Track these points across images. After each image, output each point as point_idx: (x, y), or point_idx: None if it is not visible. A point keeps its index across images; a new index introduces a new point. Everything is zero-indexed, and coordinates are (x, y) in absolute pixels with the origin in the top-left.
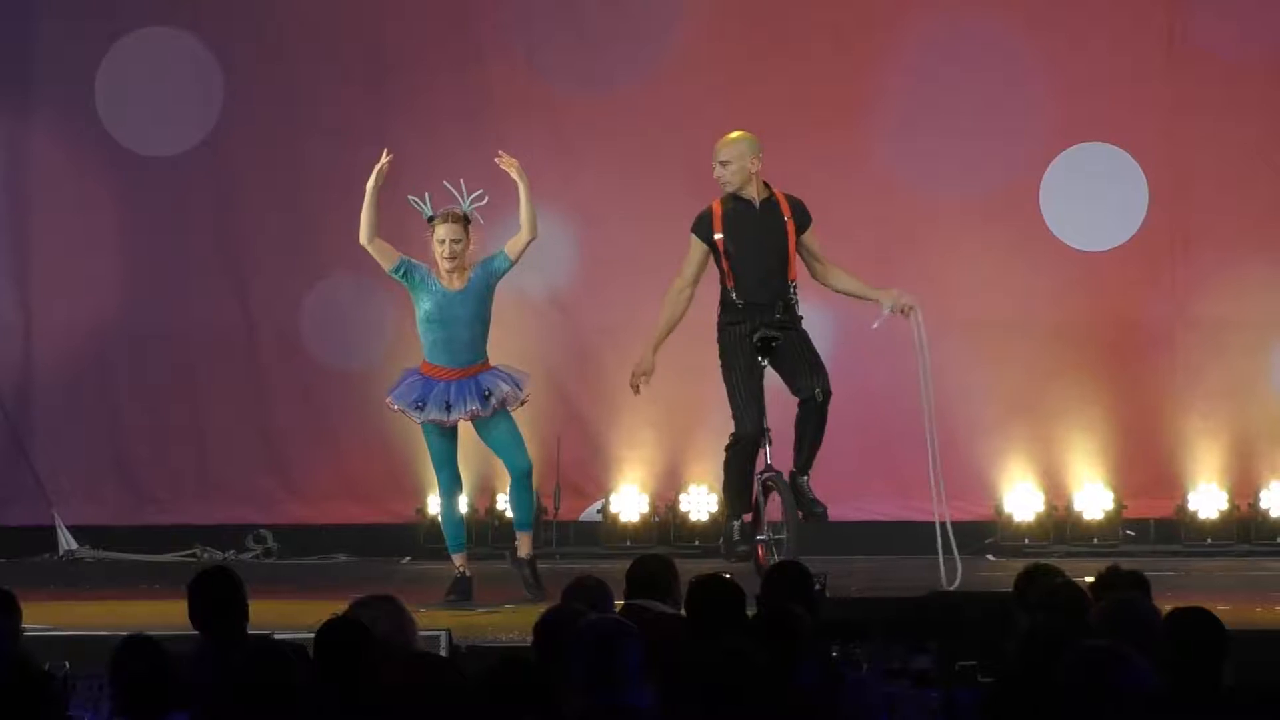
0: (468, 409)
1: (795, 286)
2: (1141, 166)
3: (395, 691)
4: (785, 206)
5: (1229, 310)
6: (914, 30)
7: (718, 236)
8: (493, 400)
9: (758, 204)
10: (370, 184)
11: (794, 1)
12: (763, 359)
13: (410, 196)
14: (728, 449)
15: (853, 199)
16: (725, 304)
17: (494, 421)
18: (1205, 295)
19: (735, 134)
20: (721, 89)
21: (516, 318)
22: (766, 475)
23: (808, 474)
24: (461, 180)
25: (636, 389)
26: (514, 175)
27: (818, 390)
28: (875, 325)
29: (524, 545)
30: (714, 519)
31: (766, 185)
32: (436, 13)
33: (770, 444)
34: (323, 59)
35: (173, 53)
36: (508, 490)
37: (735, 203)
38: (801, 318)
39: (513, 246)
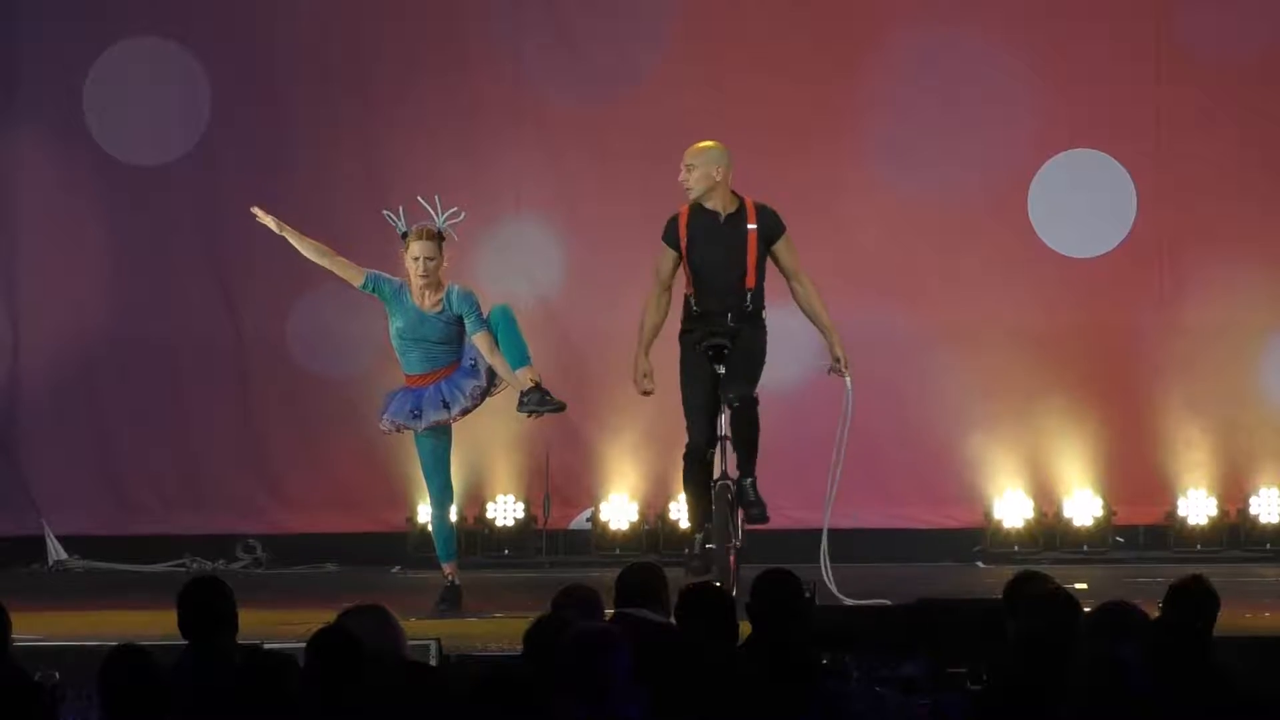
0: (468, 394)
1: (753, 294)
2: (1130, 173)
3: (385, 701)
4: (753, 215)
5: (1218, 316)
6: (901, 37)
7: (683, 244)
8: (480, 365)
9: (723, 216)
10: (285, 232)
11: (781, 10)
12: (719, 366)
13: (385, 211)
14: (683, 460)
15: (841, 206)
16: (685, 312)
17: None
18: (1194, 301)
19: (705, 142)
20: (709, 96)
21: None
22: (718, 483)
23: (751, 477)
24: (437, 196)
25: (647, 392)
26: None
27: (732, 397)
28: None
29: (526, 376)
30: None
31: (737, 196)
32: (423, 21)
33: (729, 451)
34: (310, 68)
35: (160, 62)
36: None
37: (701, 213)
38: (764, 321)
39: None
